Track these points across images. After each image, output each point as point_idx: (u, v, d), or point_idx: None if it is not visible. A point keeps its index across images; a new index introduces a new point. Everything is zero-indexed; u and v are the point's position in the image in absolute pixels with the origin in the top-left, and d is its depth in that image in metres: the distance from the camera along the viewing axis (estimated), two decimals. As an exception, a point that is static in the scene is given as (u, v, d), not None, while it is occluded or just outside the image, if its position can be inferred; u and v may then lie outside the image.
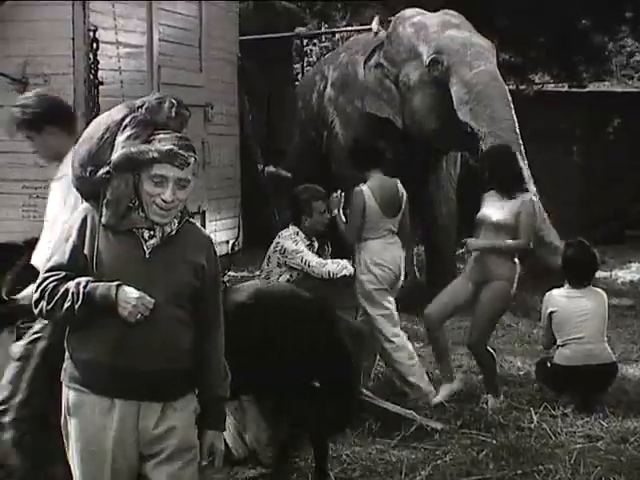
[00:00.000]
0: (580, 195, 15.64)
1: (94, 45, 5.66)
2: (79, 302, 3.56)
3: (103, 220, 3.65)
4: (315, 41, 17.01)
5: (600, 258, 10.11)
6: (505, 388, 7.64)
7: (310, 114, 11.40)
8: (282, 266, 6.81)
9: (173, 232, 3.72)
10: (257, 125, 10.02)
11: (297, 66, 12.88)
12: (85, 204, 3.77)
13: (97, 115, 5.64)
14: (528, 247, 7.24)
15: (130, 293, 3.55)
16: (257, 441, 6.01)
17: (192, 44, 7.16)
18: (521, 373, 8.19)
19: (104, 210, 3.65)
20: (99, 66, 5.70)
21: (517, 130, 9.10)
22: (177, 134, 3.71)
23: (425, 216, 11.27)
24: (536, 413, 6.99)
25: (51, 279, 3.64)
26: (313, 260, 6.84)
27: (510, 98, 9.26)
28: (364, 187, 7.39)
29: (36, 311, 3.71)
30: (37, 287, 3.67)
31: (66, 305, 3.58)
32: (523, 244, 7.19)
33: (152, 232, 3.69)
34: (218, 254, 3.91)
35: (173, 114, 3.73)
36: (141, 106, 3.73)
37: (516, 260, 7.27)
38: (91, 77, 5.65)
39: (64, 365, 3.78)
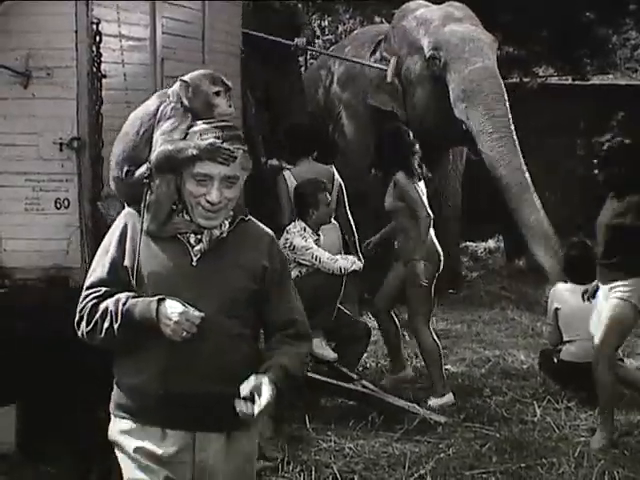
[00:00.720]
0: (583, 188, 15.61)
1: (97, 38, 5.63)
2: (118, 322, 3.19)
3: (144, 226, 3.29)
4: (318, 34, 16.97)
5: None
6: (508, 382, 7.66)
7: (316, 108, 11.40)
8: (291, 262, 6.79)
9: (224, 234, 3.33)
10: (260, 118, 10.02)
11: (301, 59, 12.87)
12: (126, 210, 3.42)
13: (100, 108, 5.66)
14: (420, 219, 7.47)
15: (172, 308, 3.14)
16: (260, 434, 6.01)
17: (195, 37, 7.12)
18: (524, 367, 8.19)
19: (145, 215, 3.30)
20: (102, 59, 5.67)
21: (511, 127, 9.03)
22: (220, 123, 3.29)
23: (430, 208, 11.27)
24: (539, 406, 7.00)
25: (90, 297, 3.29)
26: (324, 256, 6.87)
27: (506, 96, 9.20)
28: (287, 172, 7.44)
29: (79, 333, 3.33)
30: (78, 307, 3.32)
31: (105, 325, 3.22)
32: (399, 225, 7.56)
33: (199, 236, 3.31)
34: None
35: (213, 97, 3.34)
36: (175, 92, 3.37)
37: (429, 239, 7.49)
38: (94, 70, 5.62)
39: (112, 393, 3.42)
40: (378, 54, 10.26)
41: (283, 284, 3.43)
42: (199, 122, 3.28)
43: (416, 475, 5.76)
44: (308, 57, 14.47)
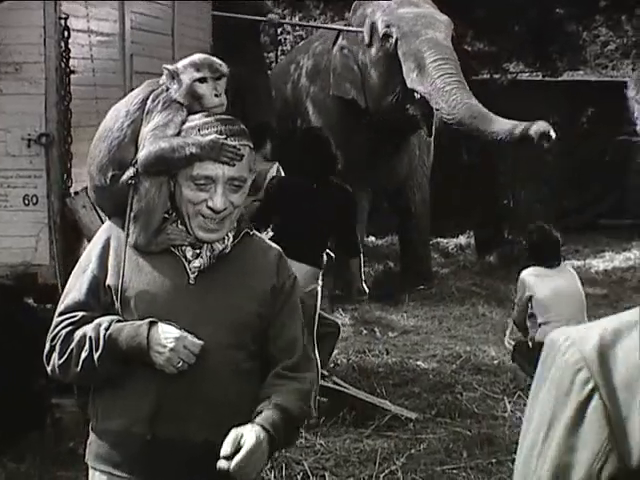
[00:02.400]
0: (555, 183, 15.67)
1: (65, 33, 5.60)
2: (99, 350, 2.65)
3: (131, 239, 2.76)
4: (289, 29, 16.95)
5: (574, 247, 10.11)
6: (479, 377, 7.67)
7: (285, 104, 11.40)
8: None
9: (227, 249, 2.80)
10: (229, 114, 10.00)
11: (271, 55, 12.87)
12: (107, 222, 2.89)
13: (69, 104, 5.62)
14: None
15: (166, 333, 2.63)
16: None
17: (165, 32, 7.10)
18: (495, 362, 8.21)
19: (131, 226, 2.76)
20: (71, 54, 5.64)
21: (464, 83, 8.93)
22: (222, 116, 2.78)
23: (398, 203, 11.32)
24: (510, 402, 7.01)
25: (65, 323, 2.75)
26: None
27: (457, 61, 9.14)
28: None
29: (49, 369, 2.79)
30: (48, 336, 2.78)
31: (83, 356, 2.68)
32: None
33: (198, 251, 2.78)
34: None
35: (195, 86, 2.79)
36: (169, 80, 2.85)
37: None
38: (62, 66, 5.59)
39: (88, 440, 2.87)
40: (337, 44, 10.32)
41: (291, 307, 2.89)
42: (196, 116, 2.77)
43: (387, 471, 5.76)
44: (278, 53, 14.46)
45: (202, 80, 2.79)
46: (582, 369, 1.26)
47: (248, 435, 2.56)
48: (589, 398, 1.25)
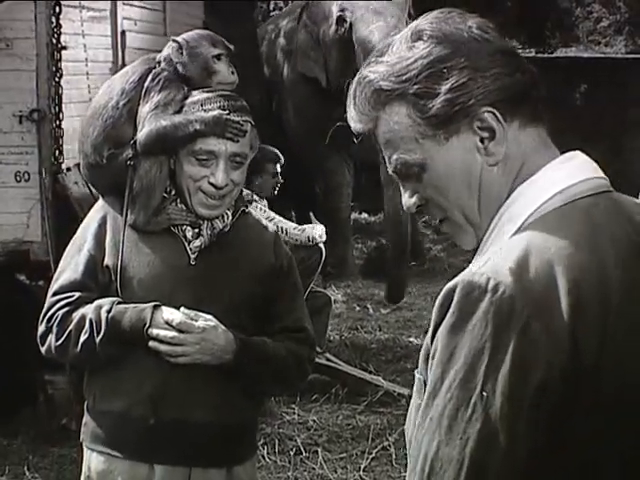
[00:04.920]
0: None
1: (57, 9, 5.57)
2: (101, 333, 2.63)
3: (129, 219, 2.73)
4: (282, 5, 16.88)
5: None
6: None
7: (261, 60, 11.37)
8: None
9: (227, 228, 2.79)
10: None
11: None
12: (101, 201, 2.85)
13: (60, 80, 5.59)
14: None
15: (172, 316, 2.63)
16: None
17: (156, 8, 7.07)
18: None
19: (131, 206, 2.74)
20: (62, 30, 5.61)
21: None
22: (223, 92, 2.76)
23: (382, 182, 11.28)
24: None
25: (61, 304, 2.71)
26: (290, 226, 6.45)
27: None
28: None
29: (43, 349, 2.77)
30: (43, 317, 2.75)
31: (83, 338, 2.65)
32: None
33: (198, 230, 2.76)
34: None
35: (213, 61, 2.79)
36: (167, 57, 2.81)
37: None
38: (54, 41, 5.56)
39: (83, 420, 2.85)
40: (301, 22, 10.32)
41: (291, 284, 2.90)
42: (196, 92, 2.75)
43: (379, 447, 5.77)
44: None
45: (219, 56, 2.80)
46: (515, 301, 1.43)
47: (209, 317, 2.65)
48: (528, 320, 1.42)
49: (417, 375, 1.66)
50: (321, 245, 6.61)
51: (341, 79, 9.67)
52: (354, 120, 1.70)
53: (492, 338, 1.44)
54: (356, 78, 1.69)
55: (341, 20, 9.51)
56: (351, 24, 9.37)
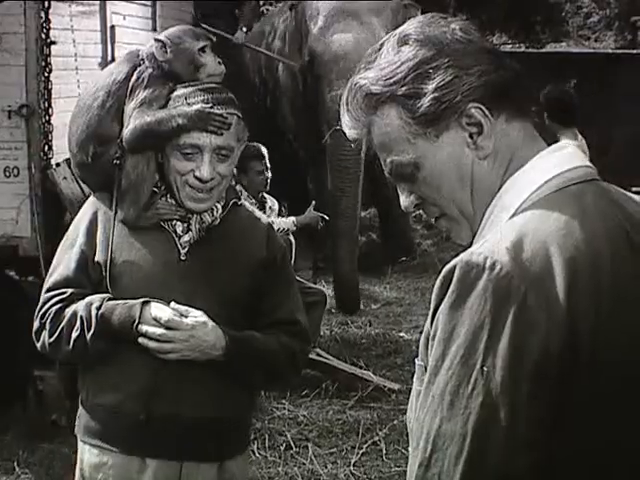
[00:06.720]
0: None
1: (46, 3, 5.55)
2: (92, 330, 2.64)
3: (119, 215, 2.74)
4: (272, 2, 16.83)
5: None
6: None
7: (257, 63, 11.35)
8: None
9: (216, 221, 2.79)
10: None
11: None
12: (92, 197, 2.87)
13: (49, 75, 5.57)
14: None
15: (160, 312, 2.63)
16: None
17: (146, 4, 7.06)
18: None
19: (120, 202, 2.75)
20: (51, 25, 5.59)
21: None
22: (208, 84, 2.76)
23: (374, 176, 11.28)
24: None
25: (54, 301, 2.74)
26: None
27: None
28: None
29: (38, 345, 2.80)
30: (37, 313, 2.78)
31: (74, 335, 2.67)
32: None
33: (187, 224, 2.76)
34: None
35: (198, 55, 2.78)
36: (150, 55, 2.80)
37: None
38: (43, 36, 5.55)
39: (77, 414, 2.88)
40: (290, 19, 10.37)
41: (284, 277, 2.89)
42: (181, 86, 2.74)
43: (370, 442, 5.78)
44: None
45: (203, 49, 2.79)
46: (513, 277, 1.49)
47: (199, 312, 2.65)
48: (525, 296, 1.48)
49: (417, 362, 1.74)
50: (290, 237, 6.75)
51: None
52: (348, 127, 1.74)
53: (491, 314, 1.49)
54: (348, 85, 1.73)
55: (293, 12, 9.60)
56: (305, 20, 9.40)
